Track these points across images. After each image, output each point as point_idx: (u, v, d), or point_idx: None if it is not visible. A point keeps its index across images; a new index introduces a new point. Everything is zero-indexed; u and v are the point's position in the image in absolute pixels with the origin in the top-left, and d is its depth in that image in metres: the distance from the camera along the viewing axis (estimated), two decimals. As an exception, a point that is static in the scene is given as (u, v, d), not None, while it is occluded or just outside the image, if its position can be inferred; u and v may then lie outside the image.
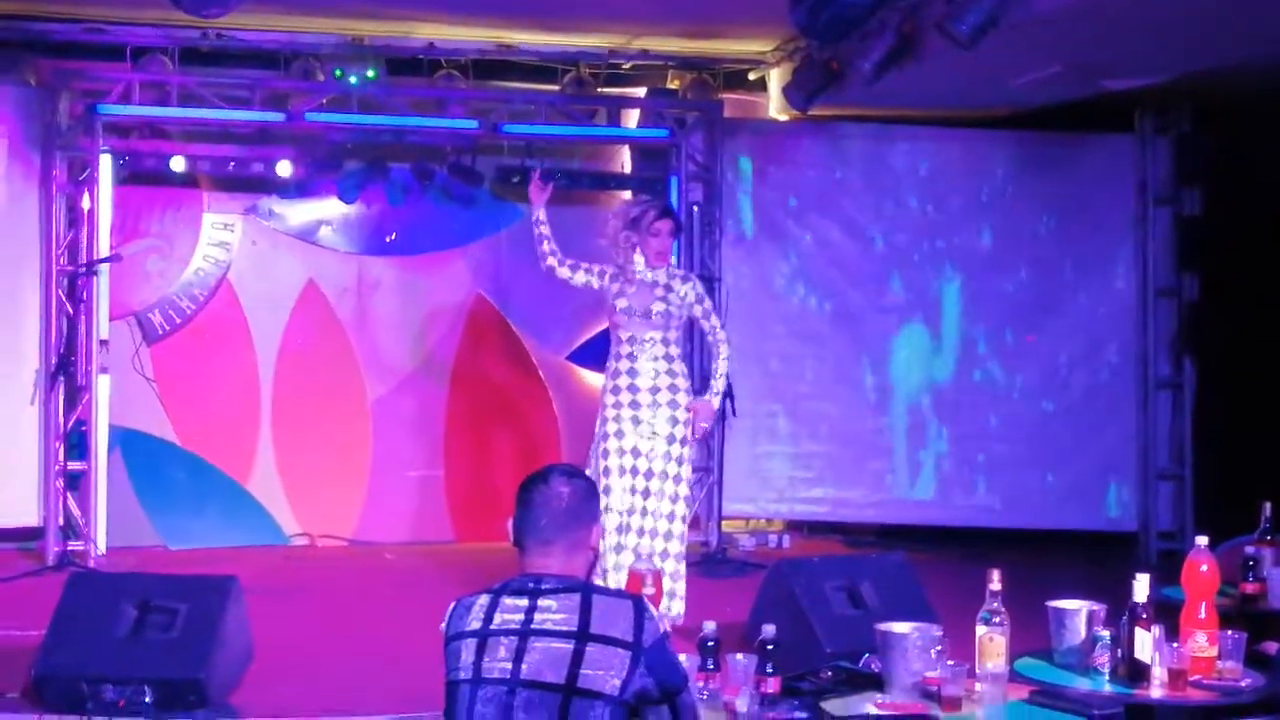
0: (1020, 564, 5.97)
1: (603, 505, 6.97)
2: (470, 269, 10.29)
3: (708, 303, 7.54)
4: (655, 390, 7.24)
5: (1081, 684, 4.31)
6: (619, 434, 7.22)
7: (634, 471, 7.20)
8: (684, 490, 7.33)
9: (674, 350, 7.36)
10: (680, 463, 7.29)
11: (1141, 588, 4.24)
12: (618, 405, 7.24)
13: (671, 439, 7.25)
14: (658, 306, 7.27)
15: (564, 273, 7.45)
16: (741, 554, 9.72)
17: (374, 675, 6.41)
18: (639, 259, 7.35)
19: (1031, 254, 10.29)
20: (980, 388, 10.29)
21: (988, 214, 10.29)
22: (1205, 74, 8.63)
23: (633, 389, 7.24)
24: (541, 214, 7.45)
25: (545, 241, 7.42)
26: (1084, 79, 8.87)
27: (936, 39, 7.56)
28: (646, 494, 7.19)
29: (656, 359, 7.27)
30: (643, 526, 7.19)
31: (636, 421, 7.22)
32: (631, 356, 7.27)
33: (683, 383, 7.34)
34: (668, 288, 7.32)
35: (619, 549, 7.12)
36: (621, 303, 7.30)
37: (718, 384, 7.46)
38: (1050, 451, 10.22)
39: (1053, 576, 6.86)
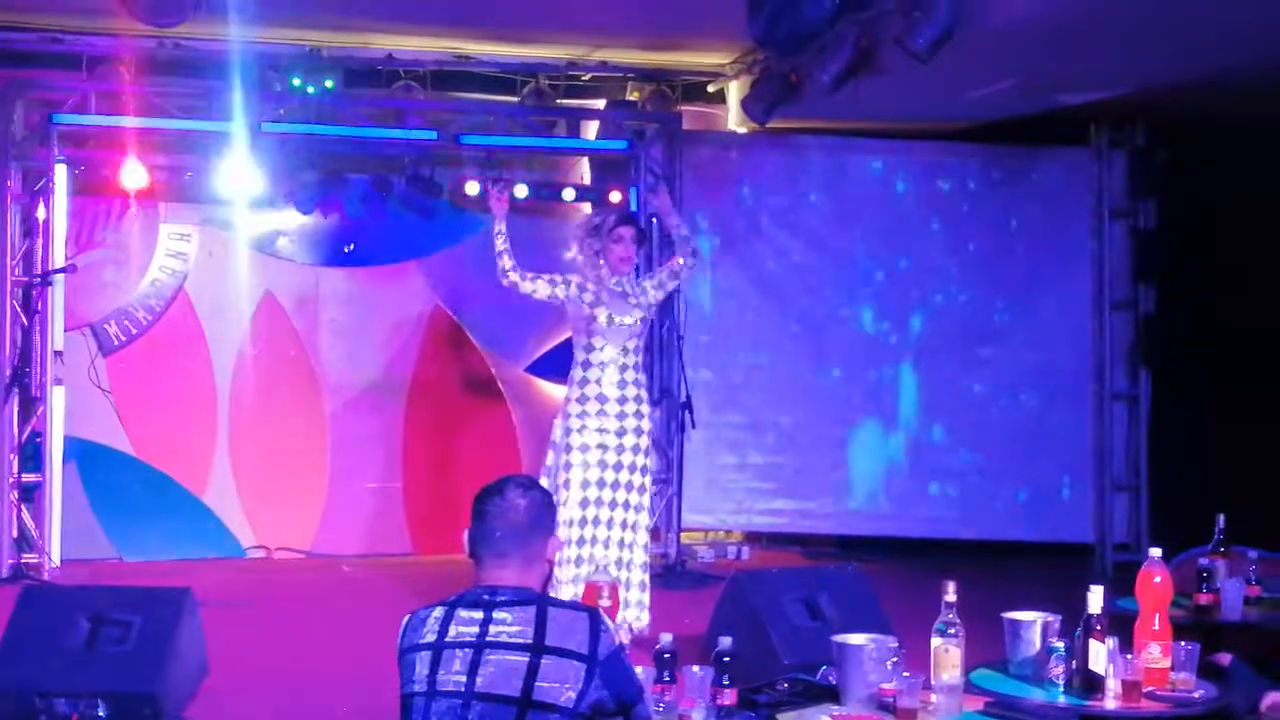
0: (976, 575, 6.00)
1: (563, 517, 6.97)
2: (429, 280, 10.26)
3: (659, 273, 7.66)
4: (623, 400, 7.26)
5: (1036, 695, 4.32)
6: (583, 447, 7.19)
7: (600, 484, 7.19)
8: (646, 501, 7.35)
9: (637, 359, 7.39)
10: (644, 473, 7.32)
11: (1096, 599, 4.25)
12: (584, 415, 7.21)
13: (636, 449, 7.28)
14: (636, 314, 7.32)
15: (527, 286, 7.34)
16: (700, 565, 9.72)
17: (330, 688, 6.37)
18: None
19: (988, 265, 10.35)
20: (937, 400, 10.33)
21: (945, 225, 10.35)
22: (1160, 88, 8.70)
23: (601, 399, 7.23)
24: (502, 226, 7.40)
25: (505, 256, 7.34)
26: (1039, 93, 8.93)
27: (894, 52, 7.60)
28: (614, 505, 7.18)
29: (626, 368, 7.29)
30: (609, 538, 7.17)
31: (602, 431, 7.21)
32: (602, 365, 7.26)
33: (644, 394, 7.39)
34: (638, 293, 7.39)
35: (577, 561, 7.10)
36: (602, 313, 7.26)
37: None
38: (1006, 463, 10.28)
39: (1008, 588, 6.89)
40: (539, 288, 7.35)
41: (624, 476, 7.22)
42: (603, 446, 7.21)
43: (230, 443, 9.93)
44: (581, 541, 7.11)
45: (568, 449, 7.23)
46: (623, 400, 7.26)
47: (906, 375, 10.33)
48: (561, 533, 6.88)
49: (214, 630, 6.34)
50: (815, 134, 10.25)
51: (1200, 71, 8.16)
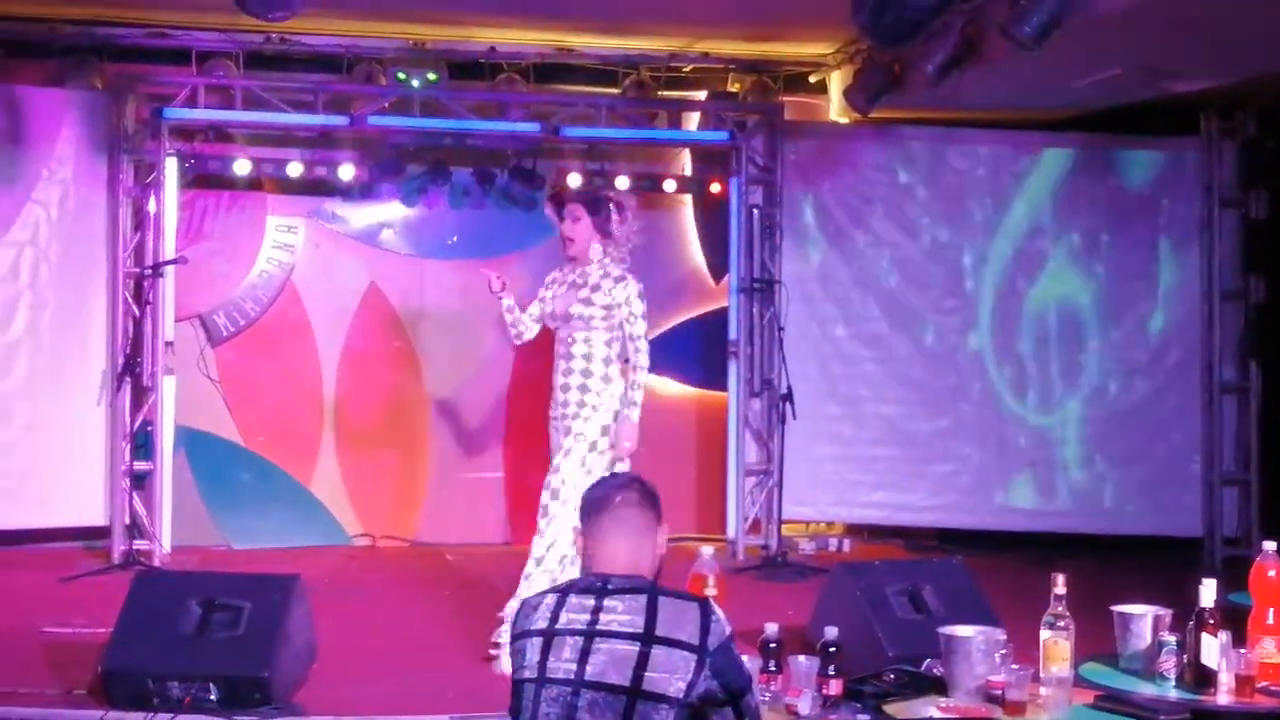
0: (1084, 569, 5.92)
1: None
2: (531, 272, 10.24)
3: (636, 307, 6.57)
4: (564, 388, 6.65)
5: (1147, 689, 4.29)
6: (549, 437, 6.77)
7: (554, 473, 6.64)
8: (556, 510, 6.65)
9: (589, 350, 6.58)
10: (560, 477, 6.62)
11: (1208, 592, 4.21)
12: (550, 406, 6.76)
13: (557, 449, 6.66)
14: (576, 309, 6.57)
15: (528, 327, 6.92)
16: (801, 557, 9.70)
17: (434, 674, 6.43)
18: (594, 250, 6.64)
19: (1095, 256, 10.22)
20: (1043, 392, 10.21)
21: (1051, 216, 10.23)
22: (1271, 76, 8.55)
23: (554, 387, 6.71)
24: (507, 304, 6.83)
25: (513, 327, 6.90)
26: (1147, 81, 8.81)
27: (999, 41, 7.52)
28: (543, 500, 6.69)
29: (571, 358, 6.61)
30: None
31: (550, 421, 6.78)
32: (564, 355, 6.67)
33: (589, 398, 6.57)
34: (595, 288, 6.59)
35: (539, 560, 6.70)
36: (539, 306, 6.78)
37: (635, 395, 6.57)
38: (1115, 456, 10.15)
39: (1117, 581, 6.80)
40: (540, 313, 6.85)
41: (554, 475, 6.62)
42: (556, 438, 6.71)
43: (336, 432, 10.06)
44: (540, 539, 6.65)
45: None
46: (564, 388, 6.63)
47: (1010, 367, 10.22)
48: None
49: (321, 616, 6.42)
50: (918, 124, 10.18)
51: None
